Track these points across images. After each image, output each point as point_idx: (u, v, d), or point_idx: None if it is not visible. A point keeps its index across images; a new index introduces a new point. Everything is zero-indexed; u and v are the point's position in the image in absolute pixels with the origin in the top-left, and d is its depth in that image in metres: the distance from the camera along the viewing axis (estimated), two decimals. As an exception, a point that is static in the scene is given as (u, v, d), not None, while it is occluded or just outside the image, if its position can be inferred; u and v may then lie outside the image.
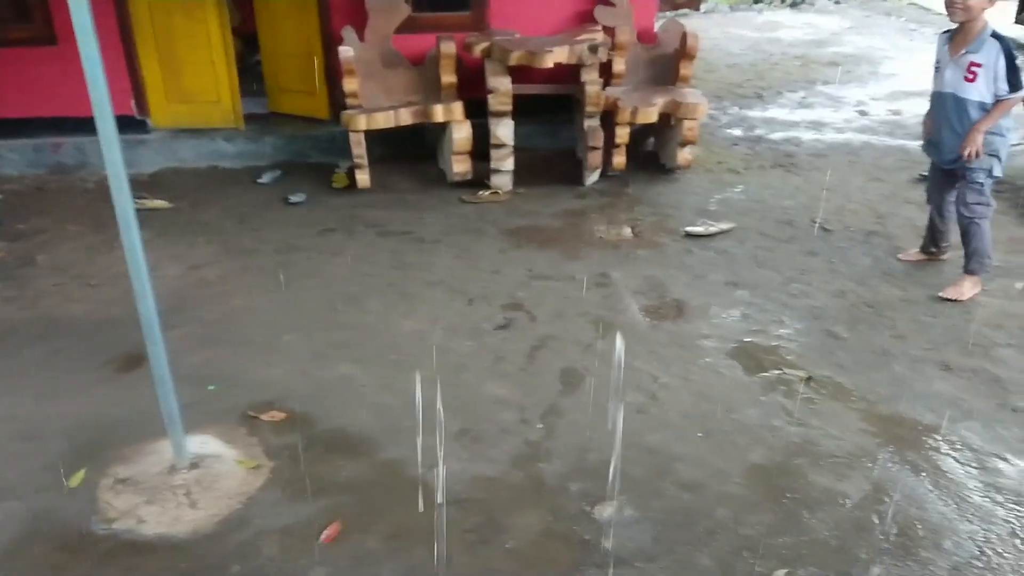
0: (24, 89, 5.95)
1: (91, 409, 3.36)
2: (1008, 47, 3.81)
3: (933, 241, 4.47)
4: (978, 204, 4.06)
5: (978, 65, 3.87)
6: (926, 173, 5.72)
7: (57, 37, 5.81)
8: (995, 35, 3.83)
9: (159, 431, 3.00)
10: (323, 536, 2.67)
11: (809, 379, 3.51)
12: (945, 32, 4.08)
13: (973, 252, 4.13)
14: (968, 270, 4.17)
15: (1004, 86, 3.82)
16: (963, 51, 3.92)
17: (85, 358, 3.73)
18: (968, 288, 4.14)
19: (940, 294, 4.14)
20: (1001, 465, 2.99)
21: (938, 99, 4.11)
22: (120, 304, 4.16)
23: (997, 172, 4.04)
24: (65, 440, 3.15)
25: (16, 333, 3.94)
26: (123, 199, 2.46)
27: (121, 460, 3.02)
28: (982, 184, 4.03)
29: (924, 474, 2.95)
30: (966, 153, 3.94)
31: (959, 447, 3.08)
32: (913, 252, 4.57)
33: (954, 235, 4.31)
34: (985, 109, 3.89)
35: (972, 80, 3.90)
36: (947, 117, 4.07)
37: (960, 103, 3.98)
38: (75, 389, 3.50)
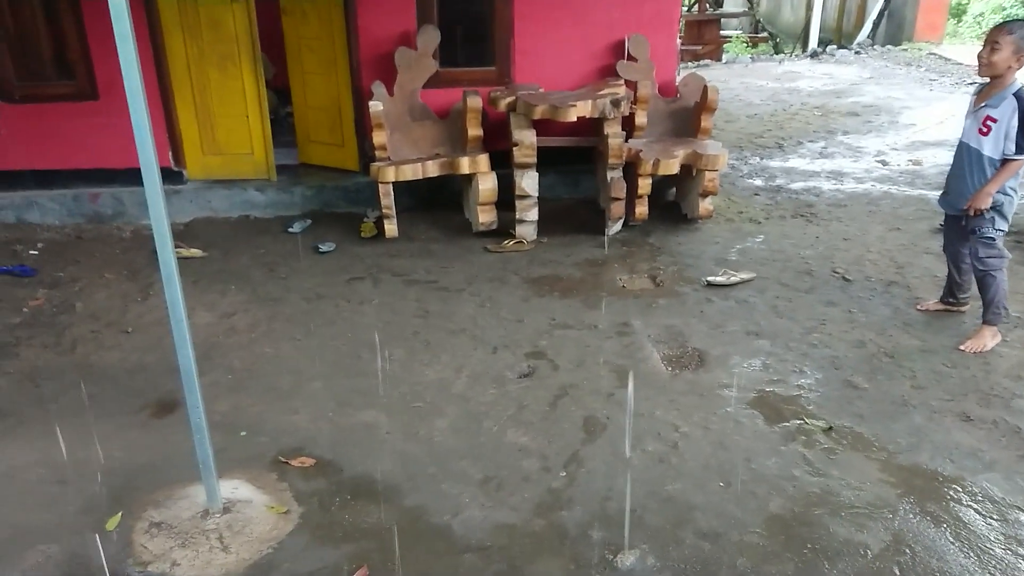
0: (65, 141, 6.17)
1: (125, 454, 3.46)
2: None
3: (951, 291, 4.50)
4: (991, 257, 4.11)
5: (993, 120, 3.92)
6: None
7: (99, 92, 6.05)
8: (1018, 94, 3.86)
9: (191, 476, 3.09)
10: (349, 581, 2.73)
11: (829, 429, 3.54)
12: (980, 83, 4.15)
13: (989, 303, 4.17)
14: (986, 320, 4.20)
15: (1012, 147, 3.87)
16: (983, 103, 4.00)
17: (119, 404, 3.84)
18: (988, 339, 4.17)
19: (961, 347, 4.17)
20: (1023, 517, 3.00)
21: (958, 147, 4.20)
22: (153, 351, 4.30)
23: (1000, 226, 4.08)
24: (100, 484, 3.25)
25: (54, 379, 4.07)
26: (167, 254, 2.58)
27: (155, 504, 3.11)
28: (992, 238, 4.09)
29: (945, 526, 2.96)
30: (971, 210, 4.02)
31: (980, 499, 3.09)
32: (932, 302, 4.60)
33: (973, 286, 4.35)
34: (994, 165, 3.95)
35: (985, 134, 3.96)
36: (960, 166, 4.16)
37: (972, 154, 4.05)
38: (109, 434, 3.60)
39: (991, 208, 4.01)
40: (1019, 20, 4.09)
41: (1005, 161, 3.91)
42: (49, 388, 3.98)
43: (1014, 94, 3.87)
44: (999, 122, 3.90)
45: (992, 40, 3.87)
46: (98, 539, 2.93)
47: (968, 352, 4.13)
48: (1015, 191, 4.06)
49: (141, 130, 2.49)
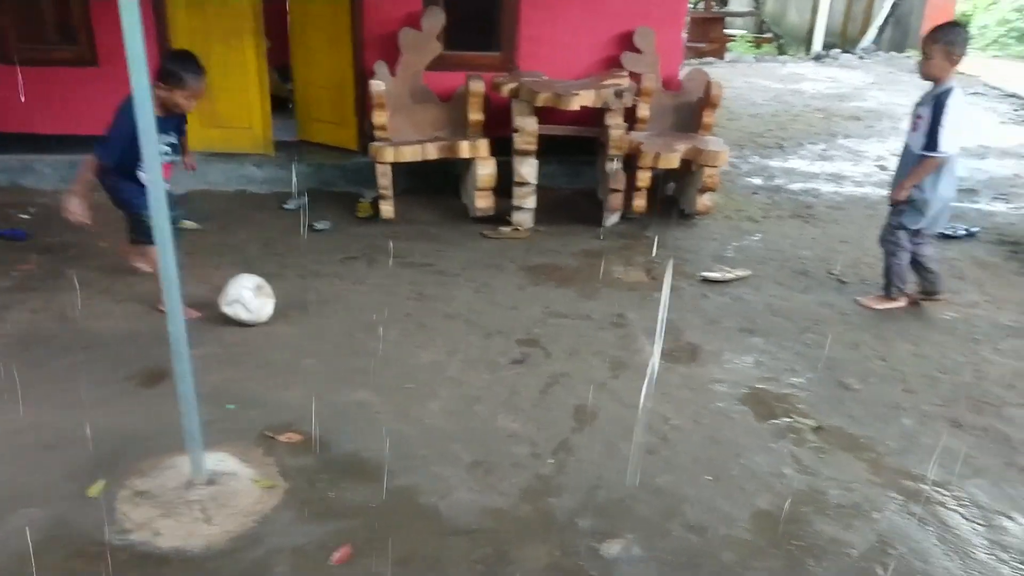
0: (63, 107, 6.13)
1: (112, 422, 3.43)
2: (940, 108, 4.03)
3: (922, 286, 4.64)
4: (890, 243, 4.43)
5: (920, 118, 4.18)
6: (944, 230, 5.82)
7: (98, 58, 6.00)
8: (940, 95, 4.07)
9: (177, 446, 3.07)
10: (333, 558, 2.71)
11: (819, 428, 3.54)
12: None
13: (888, 280, 4.55)
14: (884, 294, 4.60)
15: (923, 141, 4.11)
16: (919, 102, 4.27)
17: (108, 372, 3.81)
18: (885, 303, 4.57)
19: (856, 298, 4.68)
20: (1007, 523, 3.00)
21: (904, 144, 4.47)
22: (144, 321, 4.27)
23: (908, 223, 4.33)
24: (86, 451, 3.22)
25: (43, 344, 4.04)
26: (162, 222, 2.55)
27: (140, 473, 3.08)
28: (895, 226, 4.38)
29: (930, 528, 2.96)
30: (891, 199, 4.32)
31: (966, 503, 3.10)
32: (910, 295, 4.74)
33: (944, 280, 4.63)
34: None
35: (915, 130, 4.22)
36: (902, 161, 4.43)
37: (908, 150, 4.32)
38: (97, 402, 3.57)
39: (908, 202, 4.25)
40: (944, 26, 4.34)
41: (921, 157, 4.14)
42: (38, 353, 3.95)
43: (938, 95, 4.08)
44: (923, 119, 4.13)
45: (924, 50, 4.13)
46: (81, 505, 2.91)
47: (863, 305, 4.60)
48: (933, 190, 4.22)
49: (141, 98, 2.46)
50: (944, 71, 4.07)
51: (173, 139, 4.24)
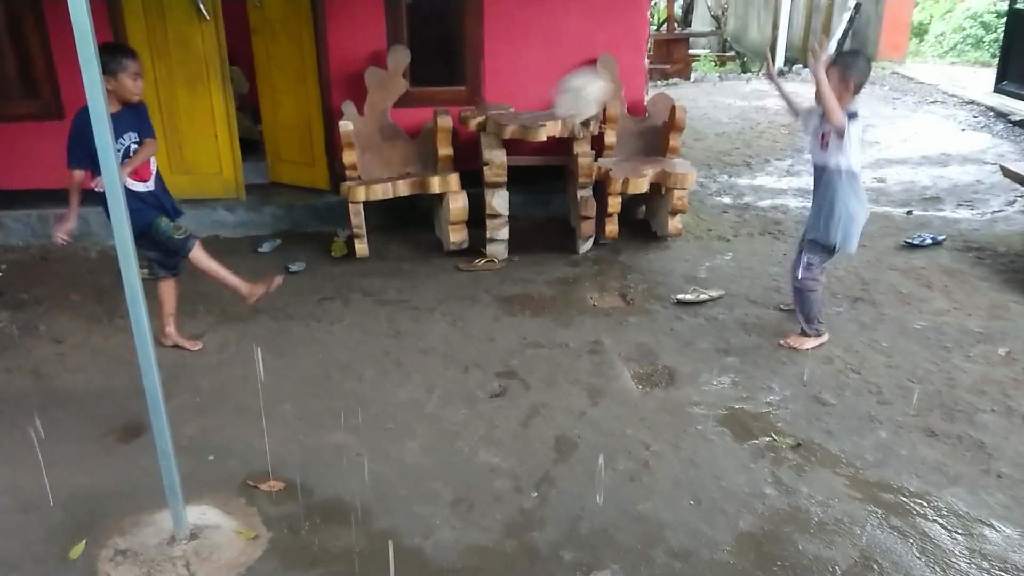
0: (30, 161, 6.10)
1: (90, 480, 3.40)
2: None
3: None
4: (807, 279, 4.35)
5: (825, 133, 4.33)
6: (911, 240, 5.90)
7: (64, 112, 5.99)
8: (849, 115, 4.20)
9: (158, 501, 3.05)
10: (319, 607, 2.70)
11: (798, 445, 3.57)
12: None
13: (803, 317, 4.42)
14: (802, 332, 4.44)
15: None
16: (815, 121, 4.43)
17: (84, 428, 3.78)
18: (808, 343, 4.42)
19: (780, 342, 4.46)
20: (987, 531, 3.04)
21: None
22: (119, 374, 4.24)
23: (832, 254, 4.36)
24: (64, 511, 3.19)
25: (16, 403, 4.00)
26: (131, 274, 2.55)
27: (120, 531, 3.05)
28: (811, 264, 4.33)
29: (911, 540, 2.99)
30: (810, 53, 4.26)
31: (945, 513, 3.13)
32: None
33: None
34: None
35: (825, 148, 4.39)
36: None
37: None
38: (74, 460, 3.54)
39: (835, 231, 4.29)
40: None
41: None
42: (11, 412, 3.91)
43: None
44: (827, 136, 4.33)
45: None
46: (62, 568, 2.88)
47: (790, 347, 4.40)
48: (859, 213, 4.34)
49: (105, 150, 2.46)
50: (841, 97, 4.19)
51: (136, 138, 4.19)
